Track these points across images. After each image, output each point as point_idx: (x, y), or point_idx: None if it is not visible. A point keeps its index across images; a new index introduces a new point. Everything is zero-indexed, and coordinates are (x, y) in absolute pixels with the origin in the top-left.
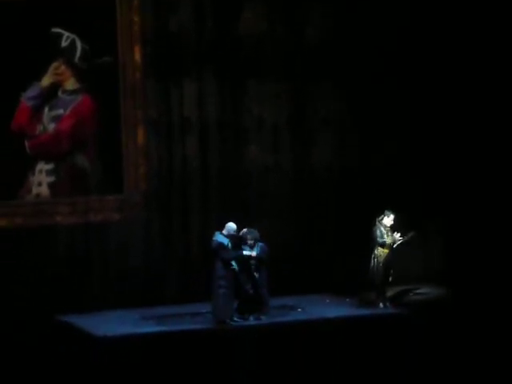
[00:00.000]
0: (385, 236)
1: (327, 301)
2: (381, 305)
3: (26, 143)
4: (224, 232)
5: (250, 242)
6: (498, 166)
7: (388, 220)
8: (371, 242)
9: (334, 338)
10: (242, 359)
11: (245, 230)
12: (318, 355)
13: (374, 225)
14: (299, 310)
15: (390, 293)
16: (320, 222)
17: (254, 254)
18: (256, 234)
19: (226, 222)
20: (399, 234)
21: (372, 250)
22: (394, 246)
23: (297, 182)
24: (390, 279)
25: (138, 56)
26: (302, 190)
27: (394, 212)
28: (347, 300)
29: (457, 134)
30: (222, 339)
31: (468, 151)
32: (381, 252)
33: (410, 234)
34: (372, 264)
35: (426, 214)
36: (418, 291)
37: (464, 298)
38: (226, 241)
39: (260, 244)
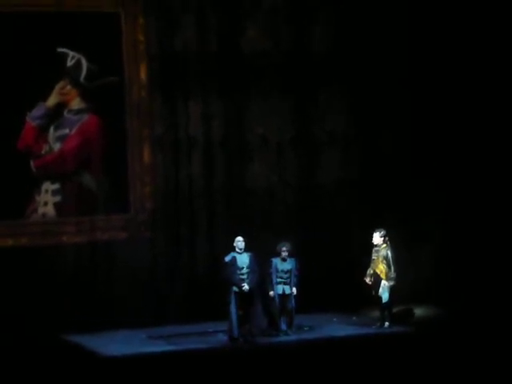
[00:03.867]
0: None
1: (334, 319)
2: (386, 324)
3: (32, 163)
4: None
5: (283, 253)
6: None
7: (376, 237)
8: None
9: (343, 356)
10: (250, 379)
11: (281, 244)
12: (328, 374)
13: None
14: (306, 328)
15: (393, 311)
16: (324, 238)
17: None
18: (290, 248)
19: (232, 240)
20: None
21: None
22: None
23: (301, 198)
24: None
25: (143, 75)
26: (306, 206)
27: (384, 229)
28: (354, 318)
29: (460, 142)
30: (230, 359)
31: (469, 162)
32: (378, 270)
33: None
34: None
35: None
36: (419, 310)
37: (465, 315)
38: (228, 258)
39: (293, 258)
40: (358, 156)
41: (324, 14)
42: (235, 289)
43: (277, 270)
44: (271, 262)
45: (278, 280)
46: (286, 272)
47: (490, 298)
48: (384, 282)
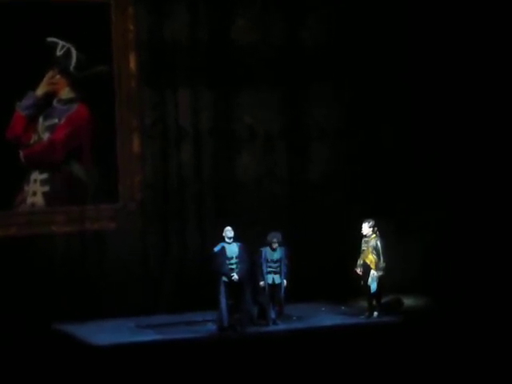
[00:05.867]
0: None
1: (323, 309)
2: (375, 313)
3: (21, 153)
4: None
5: (274, 245)
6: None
7: (365, 227)
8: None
9: (332, 346)
10: (239, 368)
11: (271, 235)
12: (317, 364)
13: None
14: (294, 318)
15: (382, 301)
16: (313, 229)
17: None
18: (279, 237)
19: (221, 230)
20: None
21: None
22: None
23: (290, 189)
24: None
25: (132, 64)
26: (295, 197)
27: (373, 219)
28: (342, 308)
29: (456, 137)
30: (219, 348)
31: (468, 158)
32: (367, 260)
33: None
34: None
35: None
36: (408, 300)
37: (454, 304)
38: (217, 248)
39: (282, 247)
40: (349, 150)
41: (316, 6)
42: (225, 279)
43: (266, 260)
44: (260, 251)
45: (268, 270)
46: (275, 262)
47: (478, 288)
48: (373, 272)
